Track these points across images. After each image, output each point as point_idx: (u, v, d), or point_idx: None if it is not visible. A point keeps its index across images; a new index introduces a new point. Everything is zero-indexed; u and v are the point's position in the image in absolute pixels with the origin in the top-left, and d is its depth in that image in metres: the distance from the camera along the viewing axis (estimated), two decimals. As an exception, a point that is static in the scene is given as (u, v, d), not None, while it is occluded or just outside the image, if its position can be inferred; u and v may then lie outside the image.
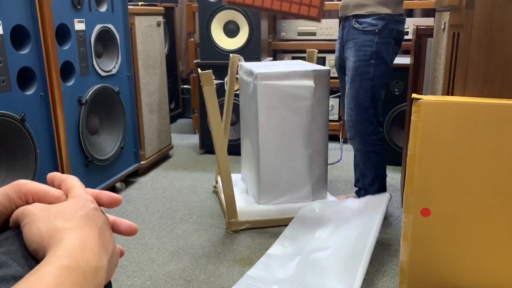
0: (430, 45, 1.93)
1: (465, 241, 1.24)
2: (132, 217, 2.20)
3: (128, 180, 2.65)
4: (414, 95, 1.21)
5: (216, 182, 2.50)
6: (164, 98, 2.99)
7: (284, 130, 2.04)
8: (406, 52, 3.42)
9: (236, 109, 2.77)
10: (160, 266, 1.76)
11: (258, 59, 2.94)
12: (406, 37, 3.12)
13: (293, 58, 3.47)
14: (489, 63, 1.21)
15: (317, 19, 1.85)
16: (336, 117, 3.36)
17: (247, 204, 2.14)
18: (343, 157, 3.03)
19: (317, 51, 2.42)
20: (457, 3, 1.27)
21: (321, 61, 3.28)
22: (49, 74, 1.89)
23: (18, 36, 1.77)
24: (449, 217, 1.23)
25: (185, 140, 3.54)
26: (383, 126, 2.18)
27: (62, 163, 1.99)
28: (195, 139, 3.53)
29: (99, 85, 2.26)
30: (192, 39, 3.42)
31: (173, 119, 4.04)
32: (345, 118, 2.11)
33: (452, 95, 1.32)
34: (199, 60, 3.08)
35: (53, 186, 0.47)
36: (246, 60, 2.59)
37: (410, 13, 3.54)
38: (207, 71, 1.95)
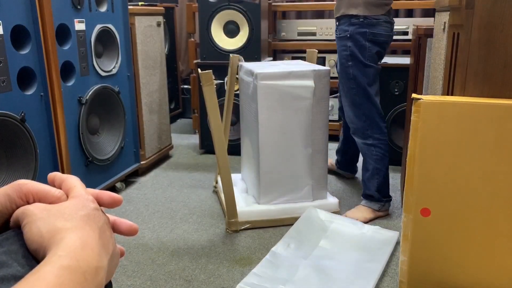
0: (430, 45, 1.93)
1: (465, 241, 1.24)
2: (132, 217, 2.20)
3: (128, 180, 2.65)
4: (414, 95, 1.21)
5: (216, 182, 2.50)
6: (164, 98, 2.99)
7: (284, 130, 2.04)
8: (406, 52, 3.42)
9: (236, 109, 2.77)
10: (160, 266, 1.76)
11: (258, 59, 2.94)
12: (406, 37, 3.14)
13: (293, 58, 3.47)
14: (489, 63, 1.21)
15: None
16: (336, 117, 3.36)
17: (247, 204, 2.14)
18: (343, 157, 3.03)
19: (317, 51, 2.41)
20: (457, 3, 1.27)
21: (321, 61, 3.28)
22: (49, 74, 1.89)
23: (18, 36, 1.77)
24: (449, 217, 1.23)
25: (185, 140, 3.54)
26: (385, 120, 2.23)
27: (62, 163, 2.00)
28: (195, 139, 3.53)
29: (99, 85, 2.26)
30: (192, 39, 3.42)
31: (173, 119, 4.04)
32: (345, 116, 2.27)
33: (452, 95, 1.32)
34: (199, 60, 3.08)
35: (54, 186, 0.47)
36: (246, 60, 2.59)
37: (410, 13, 3.54)
38: (207, 71, 1.95)
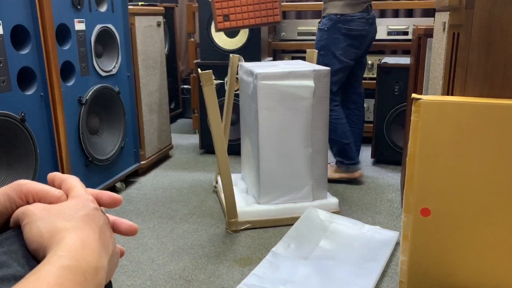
0: (430, 45, 1.94)
1: (465, 241, 1.24)
2: (132, 217, 2.20)
3: (128, 180, 2.65)
4: (414, 95, 1.21)
5: (216, 182, 2.50)
6: (164, 98, 2.99)
7: (284, 130, 2.05)
8: (406, 52, 3.42)
9: (236, 109, 2.77)
10: (160, 266, 1.76)
11: (258, 59, 2.94)
12: (406, 37, 3.14)
13: (293, 58, 3.47)
14: (489, 63, 1.21)
15: (280, 22, 2.40)
16: (336, 117, 3.36)
17: (247, 204, 2.14)
18: (343, 157, 3.03)
19: (317, 51, 2.42)
20: (457, 3, 1.27)
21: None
22: (49, 74, 1.89)
23: (18, 36, 1.77)
24: (449, 217, 1.23)
25: (185, 140, 3.54)
26: (337, 96, 2.56)
27: (62, 163, 2.00)
28: (195, 139, 3.53)
29: (99, 85, 2.26)
30: (192, 39, 3.42)
31: (173, 119, 4.04)
32: None
33: (452, 95, 1.33)
34: (199, 60, 3.08)
35: (54, 186, 0.47)
36: (246, 60, 2.59)
37: (410, 13, 3.54)
38: (207, 71, 1.95)
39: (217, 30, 2.49)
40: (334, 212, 2.11)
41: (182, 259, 1.82)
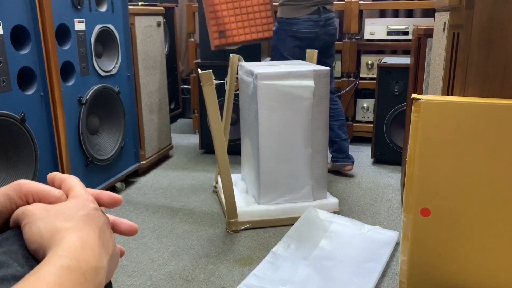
0: (430, 45, 1.94)
1: (465, 240, 1.24)
2: (132, 217, 2.20)
3: (128, 180, 2.65)
4: (414, 95, 1.21)
5: (216, 182, 2.50)
6: (164, 98, 2.99)
7: (284, 130, 2.04)
8: (406, 52, 3.42)
9: (236, 109, 2.77)
10: (160, 266, 1.76)
11: (258, 59, 2.94)
12: (406, 37, 3.14)
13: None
14: (489, 63, 1.21)
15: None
16: (336, 117, 3.36)
17: (247, 204, 2.14)
18: (343, 157, 3.03)
19: (317, 51, 2.42)
20: (457, 3, 1.27)
21: (321, 61, 3.27)
22: (49, 74, 1.89)
23: (18, 36, 1.77)
24: (449, 217, 1.23)
25: (185, 140, 3.54)
26: None
27: (62, 163, 1.99)
28: (195, 139, 3.53)
29: (99, 85, 2.26)
30: (192, 39, 3.42)
31: (173, 119, 4.04)
32: None
33: (452, 95, 1.32)
34: (199, 60, 3.07)
35: (54, 186, 0.47)
36: (246, 60, 2.59)
37: (410, 13, 3.54)
38: (207, 71, 1.95)
39: (214, 47, 2.64)
40: (334, 212, 2.11)
41: (182, 259, 1.82)
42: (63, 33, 2.03)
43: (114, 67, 2.39)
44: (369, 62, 3.24)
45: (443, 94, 1.42)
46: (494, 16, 1.17)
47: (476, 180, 1.19)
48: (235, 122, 2.94)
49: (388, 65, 2.77)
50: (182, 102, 4.22)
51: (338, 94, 3.29)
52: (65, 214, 0.42)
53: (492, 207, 1.19)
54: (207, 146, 3.14)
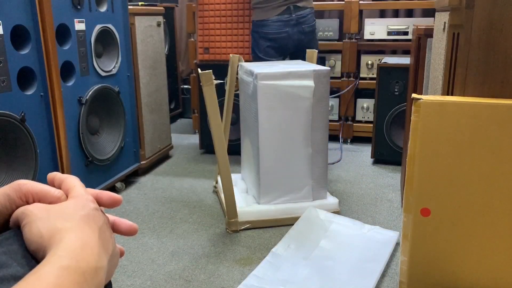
0: (430, 45, 1.93)
1: (465, 241, 1.24)
2: (132, 217, 2.20)
3: (128, 180, 2.65)
4: (414, 95, 1.21)
5: (216, 182, 2.50)
6: (164, 98, 2.99)
7: (284, 130, 2.04)
8: (406, 52, 3.42)
9: (236, 109, 2.77)
10: (160, 266, 1.76)
11: (258, 59, 2.94)
12: (406, 37, 3.14)
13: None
14: (489, 63, 1.21)
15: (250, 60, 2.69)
16: (336, 117, 3.37)
17: (247, 204, 2.14)
18: (343, 157, 3.03)
19: (317, 51, 2.42)
20: (457, 3, 1.27)
21: (321, 61, 3.28)
22: (49, 74, 1.89)
23: (18, 36, 1.77)
24: (449, 217, 1.23)
25: (185, 140, 3.54)
26: None
27: (62, 163, 1.99)
28: (195, 139, 3.53)
29: (99, 85, 2.26)
30: (192, 39, 3.42)
31: (173, 119, 4.04)
32: None
33: (452, 95, 1.32)
34: (198, 60, 3.07)
35: (53, 186, 0.47)
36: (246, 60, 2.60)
37: (410, 13, 3.54)
38: (207, 71, 1.95)
39: (198, 61, 2.95)
40: (334, 212, 2.11)
41: (182, 259, 1.82)
42: (63, 33, 2.03)
43: (114, 67, 2.39)
44: (369, 62, 3.24)
45: (443, 94, 1.42)
46: (494, 16, 1.17)
47: (476, 180, 1.19)
48: (235, 122, 2.94)
49: (388, 65, 2.77)
50: (182, 102, 4.22)
51: (338, 94, 3.30)
52: (65, 214, 0.42)
53: (492, 207, 1.19)
54: (207, 146, 3.14)
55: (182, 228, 2.08)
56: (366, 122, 3.33)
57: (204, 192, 2.50)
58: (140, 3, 2.87)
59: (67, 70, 2.06)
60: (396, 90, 2.76)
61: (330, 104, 3.23)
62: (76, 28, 2.09)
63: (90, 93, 2.19)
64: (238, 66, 2.30)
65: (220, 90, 2.85)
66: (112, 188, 2.45)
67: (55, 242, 0.38)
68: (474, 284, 1.26)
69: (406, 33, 3.17)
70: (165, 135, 3.02)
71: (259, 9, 2.59)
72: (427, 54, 2.00)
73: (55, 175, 0.48)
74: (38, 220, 0.41)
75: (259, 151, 2.05)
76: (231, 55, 2.29)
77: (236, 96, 2.60)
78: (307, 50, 2.40)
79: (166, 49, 3.74)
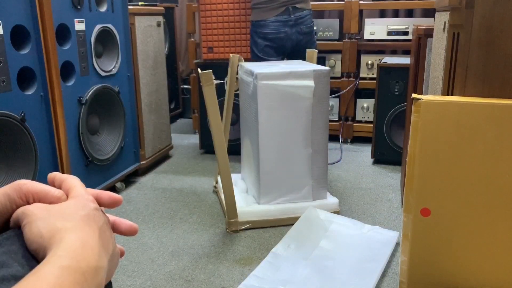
0: (430, 45, 1.93)
1: (465, 240, 1.24)
2: (132, 217, 2.20)
3: (128, 180, 2.65)
4: (414, 95, 1.21)
5: (216, 182, 2.50)
6: (164, 98, 2.99)
7: (284, 130, 2.04)
8: (406, 52, 3.42)
9: (236, 109, 2.77)
10: (160, 266, 1.76)
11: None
12: (406, 37, 3.14)
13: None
14: (489, 63, 1.21)
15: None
16: (336, 117, 3.36)
17: (247, 204, 2.14)
18: (343, 157, 3.03)
19: (317, 51, 2.42)
20: (457, 3, 1.27)
21: (321, 61, 3.28)
22: (49, 74, 1.89)
23: (18, 36, 1.77)
24: (449, 217, 1.23)
25: (185, 140, 3.54)
26: None
27: (62, 163, 2.00)
28: (195, 139, 3.53)
29: (99, 85, 2.26)
30: (192, 39, 3.42)
31: (173, 119, 4.04)
32: None
33: (452, 95, 1.33)
34: (199, 60, 3.07)
35: (54, 186, 0.47)
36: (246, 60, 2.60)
37: (410, 13, 3.54)
38: (207, 71, 1.95)
39: (203, 60, 3.01)
40: (334, 212, 2.11)
41: (182, 259, 1.82)
42: (63, 33, 2.03)
43: (114, 67, 2.39)
44: (369, 62, 3.24)
45: (443, 94, 1.42)
46: (494, 16, 1.17)
47: (476, 180, 1.19)
48: (235, 122, 2.94)
49: (388, 65, 2.77)
50: (182, 102, 4.22)
51: (338, 94, 3.29)
52: (65, 214, 0.42)
53: (492, 207, 1.19)
54: (207, 146, 3.14)
55: (182, 228, 2.08)
56: (366, 122, 3.33)
57: (204, 192, 2.50)
58: (140, 3, 2.87)
59: (67, 70, 2.06)
60: (396, 90, 2.76)
61: (330, 104, 3.23)
62: (76, 28, 2.09)
63: (90, 93, 2.19)
64: (238, 66, 2.30)
65: (220, 90, 2.85)
66: (112, 188, 2.45)
67: (56, 242, 0.38)
68: (474, 284, 1.26)
69: (406, 33, 3.17)
70: (165, 135, 3.02)
71: (258, 9, 2.61)
72: (427, 54, 2.00)
73: (55, 175, 0.48)
74: (38, 220, 0.41)
75: (259, 151, 2.05)
76: (231, 55, 2.29)
77: (236, 96, 2.60)
78: (307, 50, 2.40)
79: (166, 49, 3.74)
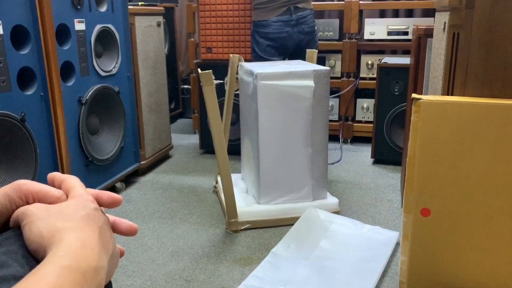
0: (430, 45, 1.93)
1: (465, 241, 1.24)
2: (132, 217, 2.20)
3: (128, 180, 2.65)
4: (414, 95, 1.21)
5: (216, 182, 2.50)
6: (164, 98, 2.99)
7: (284, 130, 2.04)
8: (406, 52, 3.42)
9: (236, 109, 2.77)
10: (160, 266, 1.76)
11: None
12: (406, 37, 3.15)
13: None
14: (489, 63, 1.21)
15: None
16: (336, 117, 3.36)
17: (247, 204, 2.14)
18: (343, 157, 3.03)
19: (317, 51, 2.42)
20: (457, 3, 1.27)
21: (321, 61, 3.28)
22: (49, 74, 1.89)
23: (18, 36, 1.77)
24: (449, 217, 1.23)
25: (185, 140, 3.54)
26: None
27: (62, 163, 1.99)
28: (195, 139, 3.53)
29: (99, 85, 2.26)
30: (192, 39, 3.42)
31: (173, 119, 4.04)
32: None
33: (452, 95, 1.32)
34: (199, 60, 3.07)
35: (54, 186, 0.47)
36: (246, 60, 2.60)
37: (410, 13, 3.54)
38: (207, 71, 1.95)
39: (202, 60, 3.04)
40: (334, 212, 2.11)
41: (182, 259, 1.82)
42: (63, 33, 2.03)
43: (114, 67, 2.39)
44: (369, 62, 3.24)
45: (443, 94, 1.42)
46: (494, 16, 1.17)
47: (476, 180, 1.19)
48: (235, 122, 2.94)
49: (388, 65, 2.77)
50: (182, 102, 4.22)
51: (338, 94, 3.29)
52: (65, 214, 0.42)
53: (492, 207, 1.19)
54: (207, 146, 3.14)
55: (182, 228, 2.08)
56: (366, 122, 3.33)
57: (204, 192, 2.50)
58: (140, 3, 2.87)
59: (67, 70, 2.06)
60: (396, 90, 2.76)
61: (330, 104, 3.23)
62: (76, 28, 2.09)
63: (90, 93, 2.19)
64: (238, 66, 2.30)
65: (220, 90, 2.85)
66: (112, 188, 2.45)
67: (55, 242, 0.38)
68: (474, 284, 1.26)
69: (406, 33, 3.17)
70: (165, 135, 3.02)
71: (259, 9, 2.62)
72: (427, 54, 2.00)
73: (55, 175, 0.48)
74: (38, 220, 0.41)
75: (259, 151, 2.05)
76: (231, 55, 2.29)
77: (236, 96, 2.60)
78: (307, 50, 2.40)
79: (166, 49, 3.74)
